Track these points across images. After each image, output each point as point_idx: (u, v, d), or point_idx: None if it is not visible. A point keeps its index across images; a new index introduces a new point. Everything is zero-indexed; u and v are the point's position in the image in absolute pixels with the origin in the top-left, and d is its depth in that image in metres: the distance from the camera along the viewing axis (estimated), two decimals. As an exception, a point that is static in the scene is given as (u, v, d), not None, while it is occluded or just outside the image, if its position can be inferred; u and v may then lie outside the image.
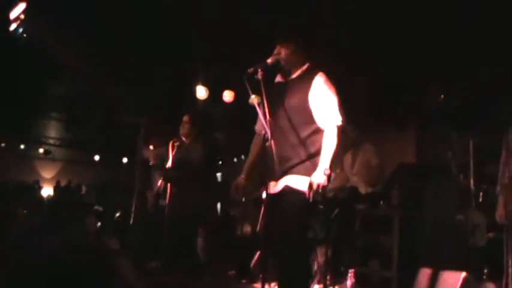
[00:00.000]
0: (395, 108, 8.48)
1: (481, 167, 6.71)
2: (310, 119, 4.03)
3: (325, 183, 3.79)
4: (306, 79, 4.09)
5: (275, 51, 4.15)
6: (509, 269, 5.27)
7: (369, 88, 8.00)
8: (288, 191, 3.98)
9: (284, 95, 4.11)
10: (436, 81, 7.61)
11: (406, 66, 7.48)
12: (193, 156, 6.01)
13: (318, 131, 4.02)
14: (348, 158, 7.01)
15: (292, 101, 4.07)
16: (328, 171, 3.80)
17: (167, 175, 6.06)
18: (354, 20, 6.56)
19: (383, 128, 8.74)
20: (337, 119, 3.99)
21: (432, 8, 6.35)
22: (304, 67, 4.18)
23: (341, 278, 6.01)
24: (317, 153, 3.99)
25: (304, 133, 4.02)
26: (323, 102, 4.01)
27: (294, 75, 4.19)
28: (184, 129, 6.18)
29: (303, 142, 4.02)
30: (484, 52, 6.98)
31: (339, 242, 6.09)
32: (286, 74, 4.23)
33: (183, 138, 6.19)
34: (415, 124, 8.86)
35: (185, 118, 6.20)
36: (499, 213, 5.39)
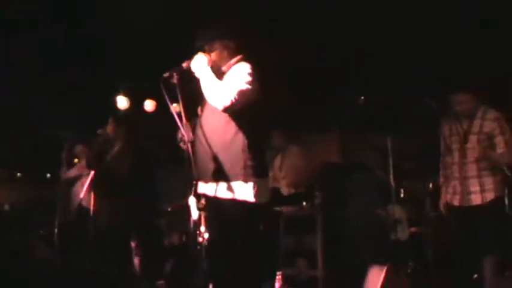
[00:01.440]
0: (318, 110, 8.61)
1: (401, 165, 6.89)
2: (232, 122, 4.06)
3: None
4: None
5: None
6: (430, 260, 5.43)
7: (293, 91, 8.08)
8: (224, 199, 4.01)
9: None
10: (357, 84, 7.78)
11: (329, 69, 7.61)
12: (121, 168, 5.95)
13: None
14: (277, 162, 7.11)
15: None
16: None
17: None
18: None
19: (308, 131, 8.86)
20: (227, 100, 3.95)
21: (355, 13, 6.50)
22: (232, 61, 4.21)
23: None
24: (241, 153, 4.01)
25: (228, 135, 4.04)
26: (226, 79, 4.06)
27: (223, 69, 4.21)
28: (109, 128, 6.11)
29: (229, 144, 4.03)
30: (400, 56, 7.22)
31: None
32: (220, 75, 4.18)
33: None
34: (338, 126, 9.02)
35: (109, 120, 6.13)
36: (442, 203, 5.54)
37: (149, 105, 8.56)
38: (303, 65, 7.33)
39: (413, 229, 6.82)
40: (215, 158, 4.03)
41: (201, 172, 4.04)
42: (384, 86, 7.54)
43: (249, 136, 4.04)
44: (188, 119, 3.99)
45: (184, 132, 3.96)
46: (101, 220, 5.96)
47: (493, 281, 5.03)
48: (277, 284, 5.93)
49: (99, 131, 6.12)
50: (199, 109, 4.30)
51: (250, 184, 3.97)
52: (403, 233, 6.62)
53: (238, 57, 4.22)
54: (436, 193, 5.99)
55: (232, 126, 4.04)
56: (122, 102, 8.58)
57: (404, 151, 7.18)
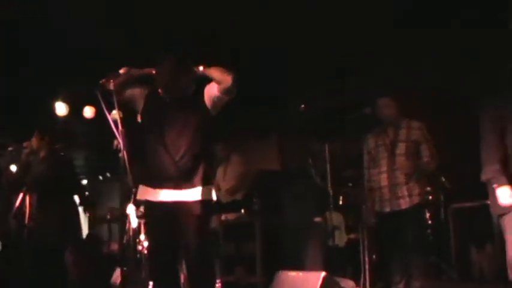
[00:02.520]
0: (259, 118, 8.67)
1: (340, 172, 6.98)
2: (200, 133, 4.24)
3: None
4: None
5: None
6: (367, 266, 5.52)
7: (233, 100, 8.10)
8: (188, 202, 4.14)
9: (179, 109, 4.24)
10: (297, 92, 7.86)
11: (269, 78, 7.67)
12: (46, 178, 5.89)
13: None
14: (220, 173, 7.13)
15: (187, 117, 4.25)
16: None
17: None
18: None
19: (248, 139, 8.90)
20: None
21: (293, 20, 6.58)
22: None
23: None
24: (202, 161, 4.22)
25: (196, 145, 4.20)
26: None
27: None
28: (34, 140, 6.04)
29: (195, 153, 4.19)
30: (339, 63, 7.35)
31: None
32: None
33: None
34: (278, 133, 9.09)
35: (35, 132, 6.07)
36: (369, 214, 5.68)
37: (89, 111, 8.46)
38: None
39: (351, 236, 6.94)
40: (181, 166, 4.15)
41: (162, 179, 4.18)
42: (324, 94, 7.68)
43: (208, 146, 4.40)
44: (124, 125, 4.01)
45: (120, 140, 3.96)
46: (35, 230, 5.86)
47: (421, 284, 5.15)
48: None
49: (25, 144, 6.04)
50: (144, 117, 4.33)
51: (209, 188, 4.23)
52: (340, 239, 6.73)
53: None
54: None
55: (198, 137, 4.20)
56: (61, 108, 8.46)
57: (344, 158, 7.30)
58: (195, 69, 4.23)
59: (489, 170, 4.28)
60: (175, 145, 4.17)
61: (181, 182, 4.16)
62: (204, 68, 4.22)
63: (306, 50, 7.09)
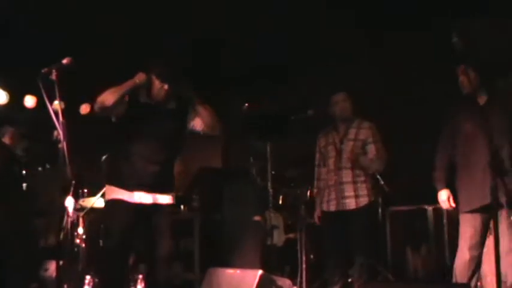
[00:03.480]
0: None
1: (282, 172, 7.03)
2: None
3: None
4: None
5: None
6: (304, 266, 5.57)
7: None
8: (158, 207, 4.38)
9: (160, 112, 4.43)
10: (241, 91, 7.88)
11: (214, 75, 7.66)
12: None
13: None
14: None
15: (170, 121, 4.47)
16: None
17: None
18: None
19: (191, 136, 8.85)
20: None
21: (240, 19, 6.60)
22: None
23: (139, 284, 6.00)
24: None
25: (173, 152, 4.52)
26: None
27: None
28: None
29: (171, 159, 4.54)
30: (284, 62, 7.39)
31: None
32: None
33: None
34: (221, 132, 9.06)
35: None
36: (316, 214, 5.75)
37: (30, 101, 8.28)
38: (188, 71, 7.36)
39: (289, 235, 6.99)
40: (158, 172, 4.37)
41: (137, 182, 4.34)
42: (268, 94, 7.71)
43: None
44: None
45: (60, 131, 3.93)
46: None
47: (364, 285, 5.21)
48: (139, 286, 5.91)
49: None
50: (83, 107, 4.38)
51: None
52: (279, 238, 6.77)
53: None
54: (313, 200, 6.17)
55: (174, 146, 4.52)
56: (1, 96, 8.26)
57: (286, 159, 7.35)
58: (186, 88, 4.41)
59: (433, 176, 4.87)
60: (154, 151, 4.35)
61: (156, 186, 4.36)
62: (198, 102, 4.43)
63: (251, 49, 7.13)
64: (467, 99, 4.82)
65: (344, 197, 5.44)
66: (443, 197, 4.83)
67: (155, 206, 4.36)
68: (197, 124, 4.49)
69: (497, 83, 6.59)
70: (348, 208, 5.42)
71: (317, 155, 5.82)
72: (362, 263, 5.33)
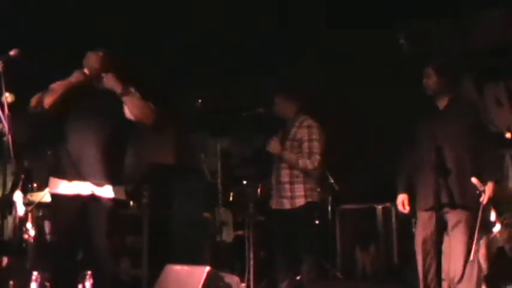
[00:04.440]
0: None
1: (233, 169, 7.04)
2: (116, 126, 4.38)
3: None
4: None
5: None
6: (252, 263, 5.58)
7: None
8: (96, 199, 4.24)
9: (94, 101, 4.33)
10: (195, 87, 7.87)
11: (167, 73, 7.64)
12: None
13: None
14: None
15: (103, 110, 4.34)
16: None
17: None
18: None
19: (143, 131, 8.80)
20: None
21: (195, 16, 6.59)
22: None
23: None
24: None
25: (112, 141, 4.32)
26: None
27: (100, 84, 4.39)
28: None
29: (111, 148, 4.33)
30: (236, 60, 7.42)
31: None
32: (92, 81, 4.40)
33: None
34: (174, 127, 9.05)
35: None
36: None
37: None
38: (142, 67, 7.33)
39: (238, 232, 7.00)
40: (99, 161, 4.23)
41: (72, 172, 4.23)
42: (220, 91, 7.72)
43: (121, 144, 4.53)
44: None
45: (5, 123, 3.89)
46: None
47: (309, 282, 5.26)
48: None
49: None
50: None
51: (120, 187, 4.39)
52: (228, 235, 6.78)
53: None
54: (263, 197, 6.20)
55: (116, 134, 4.37)
56: None
57: (237, 156, 7.37)
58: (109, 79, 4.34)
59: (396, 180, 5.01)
60: (88, 139, 4.24)
61: (91, 176, 4.22)
62: (121, 93, 4.32)
63: (204, 46, 7.12)
64: (427, 102, 4.94)
65: (282, 197, 5.45)
66: (398, 200, 4.96)
67: (94, 198, 4.26)
68: (127, 113, 4.38)
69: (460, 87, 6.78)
70: (284, 207, 5.43)
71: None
72: (307, 261, 5.35)
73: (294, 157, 5.40)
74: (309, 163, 5.37)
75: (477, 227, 4.64)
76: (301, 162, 5.37)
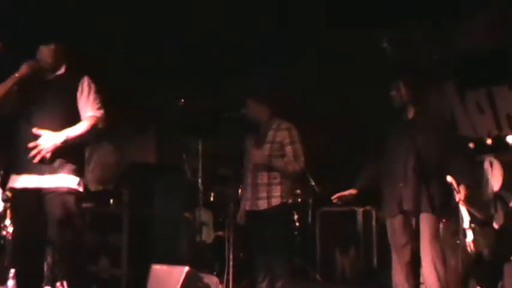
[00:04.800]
0: (137, 110, 8.58)
1: (214, 170, 7.04)
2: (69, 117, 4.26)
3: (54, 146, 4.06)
4: (71, 80, 4.38)
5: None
6: (231, 264, 5.58)
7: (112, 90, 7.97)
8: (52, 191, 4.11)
9: (46, 93, 4.28)
10: (178, 87, 7.85)
11: (148, 71, 7.62)
12: None
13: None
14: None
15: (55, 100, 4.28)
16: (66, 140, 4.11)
17: None
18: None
19: (124, 129, 8.78)
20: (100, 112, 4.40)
21: (178, 17, 6.58)
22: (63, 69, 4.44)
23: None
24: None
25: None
26: (88, 99, 4.35)
27: (53, 76, 4.40)
28: None
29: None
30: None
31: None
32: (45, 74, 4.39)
33: None
34: (156, 126, 9.04)
35: None
36: (240, 212, 5.76)
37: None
38: (125, 66, 7.32)
39: (218, 233, 7.00)
40: (53, 153, 4.10)
41: (26, 164, 4.13)
42: (202, 91, 7.71)
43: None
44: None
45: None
46: None
47: (283, 284, 5.24)
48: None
49: None
50: None
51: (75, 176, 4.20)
52: (208, 235, 6.78)
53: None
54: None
55: (68, 124, 4.20)
56: None
57: (219, 156, 7.36)
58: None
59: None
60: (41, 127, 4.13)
61: (43, 167, 4.11)
62: None
63: (188, 46, 7.11)
64: (397, 112, 5.06)
65: (257, 198, 5.46)
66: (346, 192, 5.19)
67: (50, 190, 4.14)
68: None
69: (430, 97, 6.84)
70: (260, 208, 5.45)
71: (245, 156, 5.81)
72: (284, 263, 5.37)
73: (282, 163, 5.43)
74: (297, 166, 5.44)
75: (449, 230, 4.77)
76: (290, 167, 5.42)
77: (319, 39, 7.05)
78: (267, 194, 5.42)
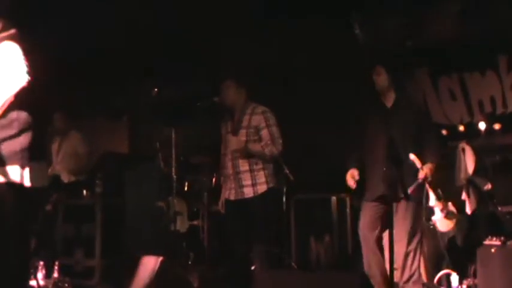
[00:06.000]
0: (110, 99, 8.52)
1: (188, 159, 7.00)
2: None
3: None
4: None
5: None
6: (207, 253, 5.58)
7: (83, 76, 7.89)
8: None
9: None
10: (151, 76, 7.80)
11: (124, 59, 7.55)
12: None
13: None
14: (55, 146, 6.88)
15: None
16: None
17: None
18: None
19: (96, 118, 8.70)
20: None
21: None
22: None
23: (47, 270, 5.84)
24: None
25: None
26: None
27: None
28: None
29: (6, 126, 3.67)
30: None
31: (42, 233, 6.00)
32: None
33: None
34: (129, 115, 8.97)
35: None
36: (220, 202, 5.72)
37: None
38: (99, 51, 7.23)
39: (193, 222, 6.98)
40: None
41: None
42: (175, 80, 7.66)
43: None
44: None
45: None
46: None
47: (263, 272, 5.22)
48: (55, 274, 5.77)
49: None
50: None
51: (27, 169, 3.74)
52: (182, 225, 6.75)
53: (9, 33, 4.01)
54: (218, 188, 6.17)
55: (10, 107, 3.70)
56: None
57: (192, 145, 7.32)
58: None
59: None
60: None
61: None
62: None
63: (162, 34, 7.06)
64: (375, 99, 5.08)
65: (242, 186, 5.43)
66: (349, 173, 5.12)
67: None
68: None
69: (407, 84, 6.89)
70: (246, 196, 5.42)
71: (222, 143, 5.77)
72: (262, 251, 5.36)
73: (259, 147, 5.40)
74: (275, 149, 5.40)
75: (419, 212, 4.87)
76: (267, 151, 5.39)
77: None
78: (252, 181, 5.40)
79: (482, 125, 6.79)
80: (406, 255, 4.89)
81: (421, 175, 4.85)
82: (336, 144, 6.56)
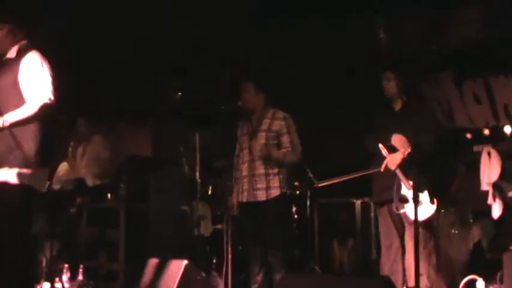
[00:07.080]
0: (134, 103, 8.56)
1: (211, 162, 7.01)
2: (20, 103, 3.89)
3: None
4: (17, 59, 3.98)
5: None
6: (229, 257, 5.55)
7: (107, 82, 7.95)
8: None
9: None
10: (174, 79, 7.84)
11: (148, 64, 7.59)
12: None
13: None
14: (79, 151, 6.94)
15: (2, 82, 3.93)
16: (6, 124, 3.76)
17: None
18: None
19: (119, 122, 8.75)
20: (44, 96, 3.88)
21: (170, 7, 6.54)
22: (16, 47, 4.06)
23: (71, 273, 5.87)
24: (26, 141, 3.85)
25: None
26: (32, 80, 3.90)
27: (9, 55, 4.07)
28: None
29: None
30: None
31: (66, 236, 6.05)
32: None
33: None
34: (152, 119, 9.01)
35: None
36: (233, 204, 5.72)
37: None
38: (121, 56, 7.27)
39: (217, 226, 6.99)
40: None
41: None
42: (199, 84, 7.69)
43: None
44: None
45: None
46: None
47: (286, 275, 5.20)
48: (79, 277, 5.81)
49: None
50: None
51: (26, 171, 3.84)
52: (206, 229, 6.76)
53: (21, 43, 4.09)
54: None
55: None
56: None
57: (216, 149, 7.33)
58: None
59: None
60: None
61: None
62: None
63: (184, 39, 7.08)
64: (385, 104, 5.15)
65: (255, 189, 5.43)
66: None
67: None
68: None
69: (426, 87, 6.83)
70: (258, 199, 5.42)
71: (237, 145, 5.78)
72: (281, 255, 5.34)
73: (281, 154, 5.41)
74: (296, 157, 5.45)
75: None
76: (288, 157, 5.41)
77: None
78: (266, 185, 5.40)
79: (507, 129, 6.73)
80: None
81: (383, 166, 4.78)
82: (361, 147, 6.55)
